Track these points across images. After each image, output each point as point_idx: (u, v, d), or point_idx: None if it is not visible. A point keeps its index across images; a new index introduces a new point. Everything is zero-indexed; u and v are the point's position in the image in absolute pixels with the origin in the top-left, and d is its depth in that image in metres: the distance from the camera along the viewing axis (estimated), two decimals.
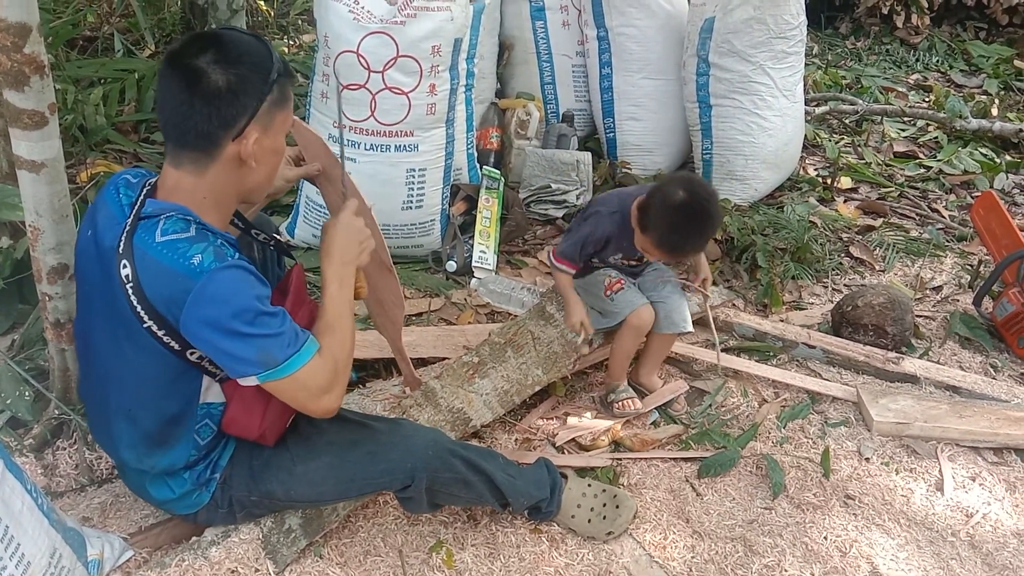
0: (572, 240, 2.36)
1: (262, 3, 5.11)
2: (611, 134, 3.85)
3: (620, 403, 2.41)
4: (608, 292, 2.38)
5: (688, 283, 2.45)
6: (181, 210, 1.51)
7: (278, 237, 1.85)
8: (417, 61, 2.82)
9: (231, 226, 1.68)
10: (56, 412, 2.14)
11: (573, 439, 2.33)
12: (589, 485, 2.09)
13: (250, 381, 1.51)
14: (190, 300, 1.45)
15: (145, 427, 1.62)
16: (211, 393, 1.64)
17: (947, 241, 3.56)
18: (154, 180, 1.59)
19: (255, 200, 1.67)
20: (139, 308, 1.48)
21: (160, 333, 1.50)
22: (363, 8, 2.76)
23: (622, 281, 2.39)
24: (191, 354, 1.55)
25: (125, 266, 1.48)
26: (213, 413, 1.66)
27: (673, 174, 2.25)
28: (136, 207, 1.52)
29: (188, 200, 1.52)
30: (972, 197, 3.93)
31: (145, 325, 1.50)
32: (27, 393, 2.17)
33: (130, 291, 1.48)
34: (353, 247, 1.67)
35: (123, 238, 1.49)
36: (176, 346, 1.53)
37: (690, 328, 2.43)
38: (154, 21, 4.71)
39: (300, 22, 5.36)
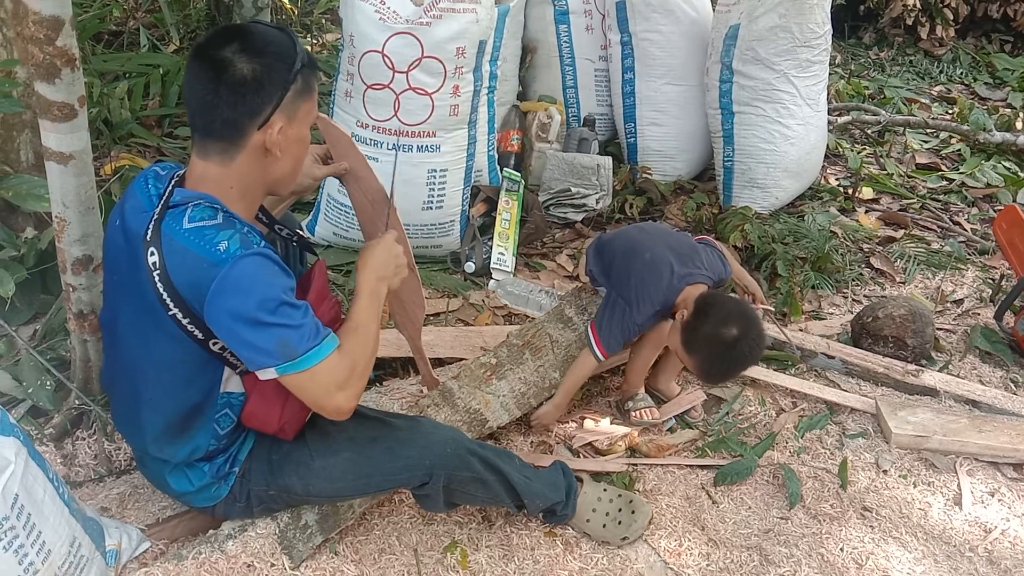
0: (618, 331, 2.23)
1: (286, 1, 5.14)
2: (632, 139, 3.84)
3: (638, 412, 2.41)
4: None
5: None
6: (208, 198, 1.53)
7: (301, 233, 1.86)
8: (441, 62, 2.83)
9: (256, 221, 1.69)
10: (76, 402, 2.16)
11: (590, 443, 2.33)
12: (605, 490, 2.09)
13: (268, 374, 1.51)
14: (215, 287, 1.46)
15: (167, 415, 1.63)
16: (232, 383, 1.65)
17: (968, 254, 3.53)
18: (182, 172, 1.61)
19: (281, 193, 1.69)
20: (165, 295, 1.50)
21: (184, 321, 1.52)
22: (389, 8, 2.78)
23: None
24: (214, 344, 1.56)
25: (153, 253, 1.49)
26: (233, 403, 1.67)
27: (727, 302, 2.17)
28: (165, 197, 1.54)
29: (215, 190, 1.54)
30: (995, 210, 3.90)
31: (170, 313, 1.51)
32: (48, 383, 2.19)
33: (156, 278, 1.49)
34: (389, 266, 1.71)
35: (151, 226, 1.51)
36: (199, 335, 1.54)
37: None
38: (180, 17, 4.74)
39: (324, 21, 5.38)
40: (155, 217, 1.52)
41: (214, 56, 1.47)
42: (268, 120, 1.50)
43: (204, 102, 1.48)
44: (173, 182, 1.58)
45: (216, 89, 1.46)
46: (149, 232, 1.51)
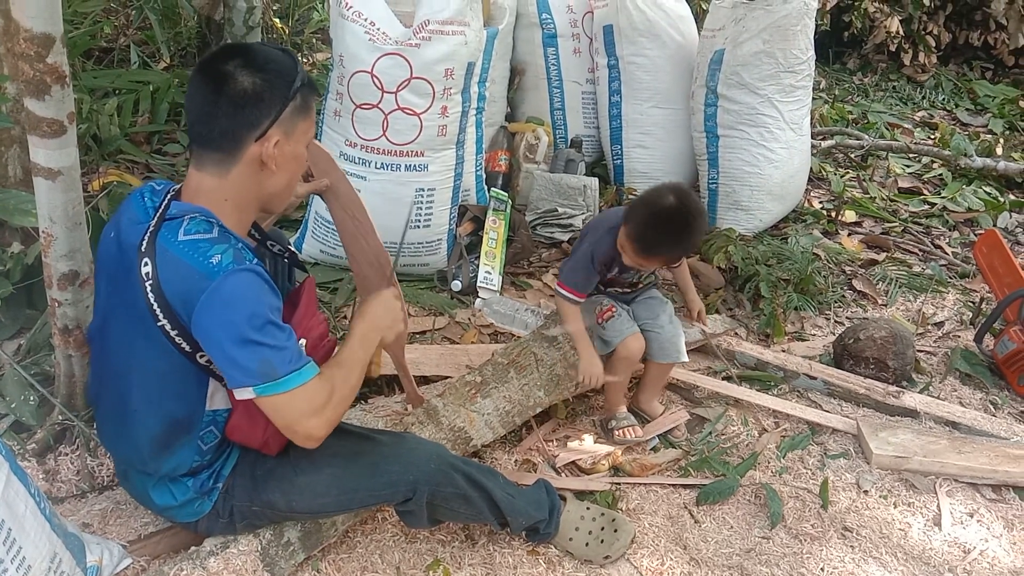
0: (574, 263, 2.35)
1: (277, 21, 5.17)
2: (619, 161, 3.89)
3: (621, 431, 2.42)
4: (600, 320, 2.40)
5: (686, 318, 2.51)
6: (204, 212, 1.55)
7: (292, 250, 1.88)
8: (430, 83, 2.86)
9: (248, 236, 1.71)
10: (60, 417, 2.15)
11: (573, 462, 2.34)
12: (588, 508, 2.10)
13: (246, 394, 1.51)
14: (204, 299, 1.47)
15: (152, 428, 1.63)
16: (217, 399, 1.65)
17: (949, 277, 3.58)
18: (178, 187, 1.63)
19: (275, 210, 1.71)
20: (156, 306, 1.51)
21: (172, 333, 1.53)
22: (379, 30, 2.81)
23: (614, 308, 2.41)
24: (200, 357, 1.57)
25: (146, 264, 1.51)
26: (219, 420, 1.68)
27: (666, 184, 2.29)
28: (161, 209, 1.57)
29: (210, 202, 1.56)
30: (975, 234, 3.96)
31: (159, 323, 1.52)
32: (32, 398, 2.19)
33: (149, 288, 1.51)
34: (386, 319, 1.76)
35: (147, 237, 1.53)
36: (186, 347, 1.55)
37: (684, 358, 2.45)
38: (170, 35, 4.77)
39: (315, 40, 5.42)
40: (151, 228, 1.53)
41: (217, 69, 1.51)
42: (265, 133, 1.53)
43: (203, 112, 1.52)
44: (169, 196, 1.61)
45: (216, 100, 1.50)
46: (144, 243, 1.52)
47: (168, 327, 1.52)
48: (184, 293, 1.49)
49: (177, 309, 1.50)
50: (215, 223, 1.54)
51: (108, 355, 1.67)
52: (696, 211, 2.19)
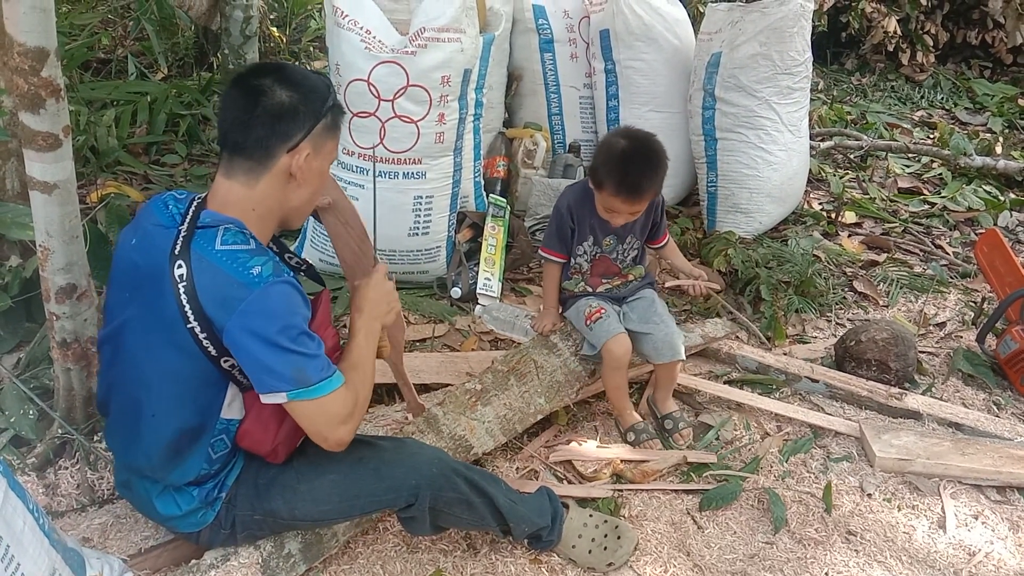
0: (550, 224, 2.45)
1: (275, 30, 5.18)
2: None
3: (644, 444, 2.43)
4: (588, 321, 2.40)
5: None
6: (237, 223, 1.59)
7: (309, 262, 1.89)
8: (427, 90, 2.86)
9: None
10: (59, 431, 2.15)
11: (569, 461, 2.33)
12: (591, 515, 2.09)
13: (277, 398, 1.55)
14: (242, 307, 1.51)
15: (164, 434, 1.64)
16: (232, 409, 1.67)
17: (951, 278, 3.57)
18: (203, 196, 1.66)
19: (293, 226, 1.76)
20: (187, 308, 1.53)
21: (201, 336, 1.55)
22: (375, 38, 2.80)
23: (603, 310, 2.40)
24: (224, 361, 1.59)
25: (180, 266, 1.54)
26: (231, 429, 1.70)
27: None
28: (190, 217, 1.60)
29: (239, 213, 1.60)
30: (976, 234, 3.95)
31: (189, 325, 1.54)
32: (31, 412, 2.18)
33: (182, 290, 1.53)
34: (382, 306, 1.79)
35: (179, 242, 1.56)
36: (213, 351, 1.57)
37: (681, 356, 2.43)
38: (168, 45, 4.78)
39: (312, 49, 5.42)
40: (183, 234, 1.57)
41: (254, 84, 1.58)
42: (297, 146, 1.59)
43: (239, 121, 1.58)
44: (195, 203, 1.64)
45: (253, 110, 1.56)
46: (178, 247, 1.56)
47: (197, 329, 1.54)
48: (221, 300, 1.52)
49: (210, 314, 1.53)
50: (249, 235, 1.59)
51: (125, 359, 1.68)
52: (645, 135, 2.29)
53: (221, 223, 1.58)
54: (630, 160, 2.23)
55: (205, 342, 1.56)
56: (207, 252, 1.54)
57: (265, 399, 1.57)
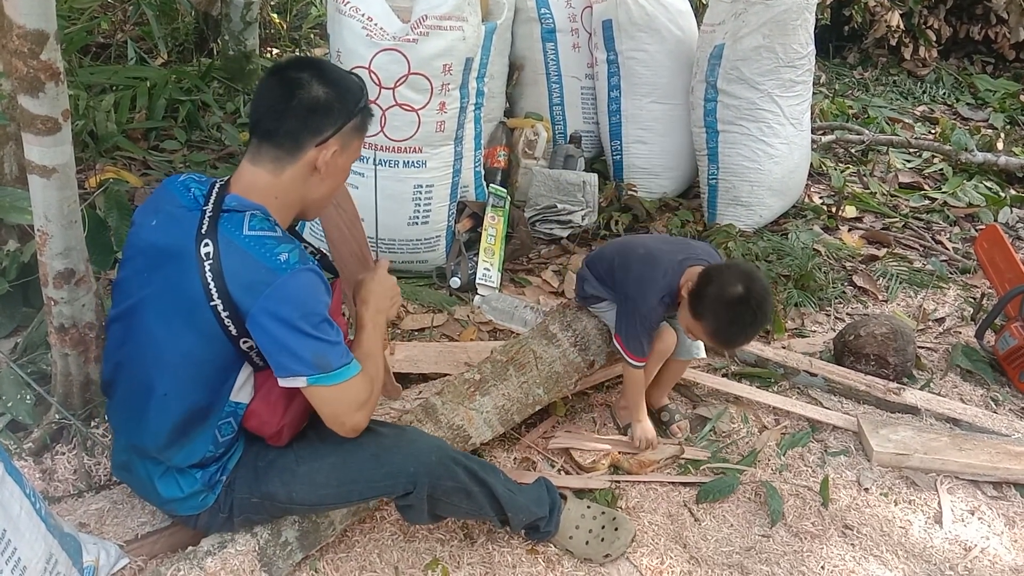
0: (634, 334, 2.25)
1: (275, 16, 5.16)
2: (618, 156, 3.87)
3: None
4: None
5: None
6: (263, 210, 1.62)
7: (323, 251, 1.90)
8: (428, 79, 2.84)
9: None
10: (56, 416, 2.14)
11: (572, 459, 2.33)
12: (588, 507, 2.09)
13: (296, 382, 1.58)
14: (268, 292, 1.53)
15: (173, 415, 1.65)
16: (242, 393, 1.68)
17: (950, 273, 3.57)
18: (226, 179, 1.68)
19: (308, 217, 1.78)
20: (212, 286, 1.55)
21: (224, 314, 1.56)
22: (376, 25, 2.79)
23: None
24: (243, 343, 1.60)
25: (207, 245, 1.56)
26: (238, 413, 1.70)
27: (727, 265, 2.23)
28: (214, 199, 1.61)
29: (263, 199, 1.63)
30: (976, 230, 3.94)
31: (212, 303, 1.55)
32: (28, 397, 2.17)
33: (207, 267, 1.55)
34: (386, 300, 1.82)
35: (206, 222, 1.58)
36: (234, 331, 1.58)
37: (703, 354, 2.43)
38: (168, 31, 4.75)
39: (312, 36, 5.40)
40: (210, 215, 1.59)
41: (292, 75, 1.62)
42: (326, 141, 1.62)
43: (274, 109, 1.61)
44: (218, 187, 1.65)
45: (289, 100, 1.59)
46: (205, 226, 1.58)
47: (220, 307, 1.56)
48: (248, 284, 1.55)
49: (236, 297, 1.55)
50: (273, 222, 1.62)
51: (138, 338, 1.67)
52: (765, 292, 2.08)
53: (247, 208, 1.60)
54: (740, 316, 2.06)
55: (227, 321, 1.57)
56: (235, 236, 1.56)
57: (284, 383, 1.59)
